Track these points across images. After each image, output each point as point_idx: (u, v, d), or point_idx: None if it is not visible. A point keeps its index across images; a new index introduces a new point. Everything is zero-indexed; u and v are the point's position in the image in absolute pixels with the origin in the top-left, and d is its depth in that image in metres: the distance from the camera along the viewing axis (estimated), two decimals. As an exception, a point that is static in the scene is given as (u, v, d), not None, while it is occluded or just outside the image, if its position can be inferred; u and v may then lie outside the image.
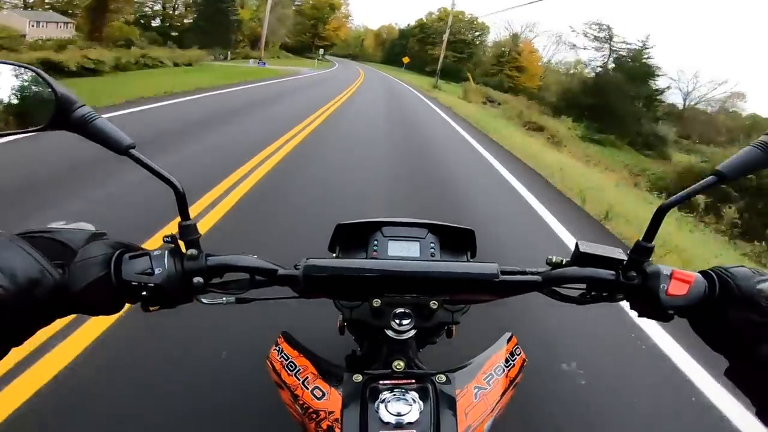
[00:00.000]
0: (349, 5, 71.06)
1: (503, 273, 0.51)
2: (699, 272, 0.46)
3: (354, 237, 0.77)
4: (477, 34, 63.33)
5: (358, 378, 0.52)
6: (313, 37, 58.77)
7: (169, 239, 0.47)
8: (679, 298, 0.45)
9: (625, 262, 0.49)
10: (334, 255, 0.77)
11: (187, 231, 0.47)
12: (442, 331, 0.78)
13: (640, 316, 0.50)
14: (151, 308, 0.45)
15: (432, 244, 0.75)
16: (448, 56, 61.17)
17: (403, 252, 0.74)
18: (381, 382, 0.52)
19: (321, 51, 39.92)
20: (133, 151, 0.44)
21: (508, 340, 0.62)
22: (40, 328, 0.39)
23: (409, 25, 74.39)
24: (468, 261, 0.75)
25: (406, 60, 40.37)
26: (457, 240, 0.77)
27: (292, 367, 0.57)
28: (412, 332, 0.59)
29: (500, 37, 63.99)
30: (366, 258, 0.72)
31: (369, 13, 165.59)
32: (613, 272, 0.49)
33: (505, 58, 54.64)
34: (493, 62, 56.97)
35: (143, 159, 0.44)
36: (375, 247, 0.74)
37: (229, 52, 31.73)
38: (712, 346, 0.44)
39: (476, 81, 43.22)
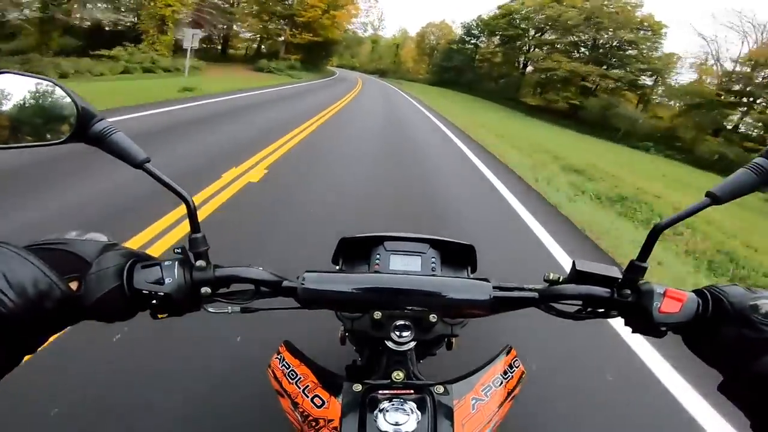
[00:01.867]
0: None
1: (502, 289, 0.53)
2: (692, 291, 0.47)
3: (357, 250, 0.78)
4: (649, 34, 29.38)
5: (357, 387, 0.53)
6: (289, 26, 25.93)
7: (179, 250, 0.48)
8: (672, 316, 0.46)
9: (619, 281, 0.50)
10: (337, 267, 0.78)
11: (197, 243, 0.48)
12: (442, 343, 0.78)
13: (633, 331, 0.50)
14: (159, 315, 0.47)
15: (433, 259, 0.76)
16: (600, 83, 27.52)
17: (404, 266, 0.74)
18: (380, 392, 0.53)
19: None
20: (147, 165, 0.45)
21: (507, 353, 0.63)
22: (52, 336, 0.39)
23: (480, 17, 40.85)
24: (468, 276, 0.77)
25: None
26: (457, 255, 0.78)
27: (293, 375, 0.58)
28: (412, 344, 0.60)
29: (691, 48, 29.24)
30: (368, 271, 0.73)
31: (408, 15, 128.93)
32: (608, 290, 0.50)
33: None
34: (727, 99, 23.69)
35: (157, 173, 0.46)
36: (377, 261, 0.75)
37: None
38: (706, 361, 0.45)
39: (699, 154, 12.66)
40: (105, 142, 0.44)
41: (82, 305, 0.41)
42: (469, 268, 0.79)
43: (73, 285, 0.40)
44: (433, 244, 0.78)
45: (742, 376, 0.40)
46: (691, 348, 0.47)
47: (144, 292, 0.44)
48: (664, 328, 0.46)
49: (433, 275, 0.71)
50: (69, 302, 0.39)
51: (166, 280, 0.45)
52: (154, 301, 0.45)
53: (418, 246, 0.77)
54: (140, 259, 0.47)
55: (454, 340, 0.72)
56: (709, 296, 0.45)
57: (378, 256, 0.76)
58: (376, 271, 0.73)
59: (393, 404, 0.49)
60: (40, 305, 0.36)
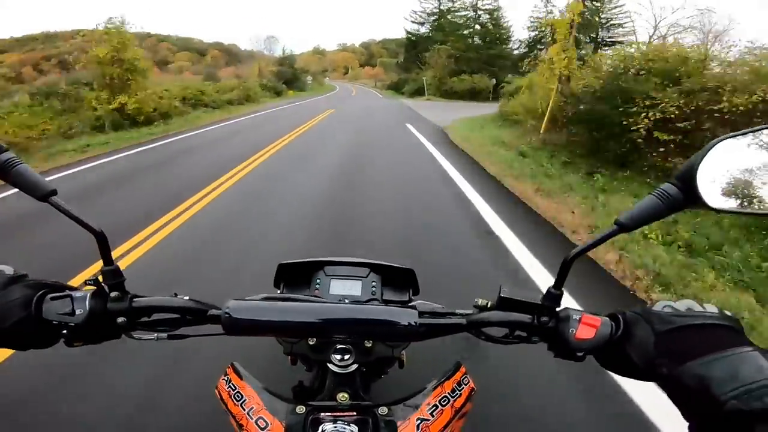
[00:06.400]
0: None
1: (431, 314, 0.54)
2: (607, 315, 0.49)
3: (298, 275, 0.81)
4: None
5: (301, 409, 0.53)
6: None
7: (92, 282, 0.49)
8: (587, 342, 0.47)
9: (539, 308, 0.51)
10: (279, 291, 0.80)
11: (111, 275, 0.49)
12: (393, 362, 0.77)
13: (556, 356, 0.51)
14: (75, 344, 0.47)
15: (374, 283, 0.78)
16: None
17: (345, 291, 0.77)
18: (323, 414, 0.52)
19: None
20: (54, 198, 0.46)
21: (456, 370, 0.62)
22: None
23: None
24: (409, 299, 0.80)
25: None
26: (398, 279, 0.81)
27: (238, 397, 0.57)
28: (354, 366, 0.60)
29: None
30: (309, 296, 0.71)
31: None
32: (529, 316, 0.52)
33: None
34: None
35: (64, 206, 0.46)
36: (317, 286, 0.78)
37: None
38: (628, 373, 0.45)
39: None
40: (9, 174, 0.44)
41: None
42: (411, 291, 0.81)
43: None
44: (374, 268, 0.80)
45: (666, 369, 0.39)
46: (609, 368, 0.47)
47: (54, 322, 0.46)
48: (581, 353, 0.47)
49: (374, 299, 0.75)
50: None
51: (77, 311, 0.46)
52: (65, 331, 0.46)
53: (358, 270, 0.80)
54: (51, 289, 0.47)
55: (404, 358, 0.75)
56: (621, 318, 0.46)
57: (318, 281, 0.79)
58: (315, 296, 0.73)
59: (335, 426, 0.49)
60: None
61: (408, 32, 39.33)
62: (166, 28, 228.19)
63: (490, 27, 33.73)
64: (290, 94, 30.53)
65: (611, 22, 34.07)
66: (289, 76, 35.94)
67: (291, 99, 26.28)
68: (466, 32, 34.19)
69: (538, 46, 36.26)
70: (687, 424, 0.38)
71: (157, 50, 77.96)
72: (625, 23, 33.52)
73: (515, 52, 35.27)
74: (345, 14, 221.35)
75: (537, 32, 36.06)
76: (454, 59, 29.00)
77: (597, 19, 34.06)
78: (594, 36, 34.09)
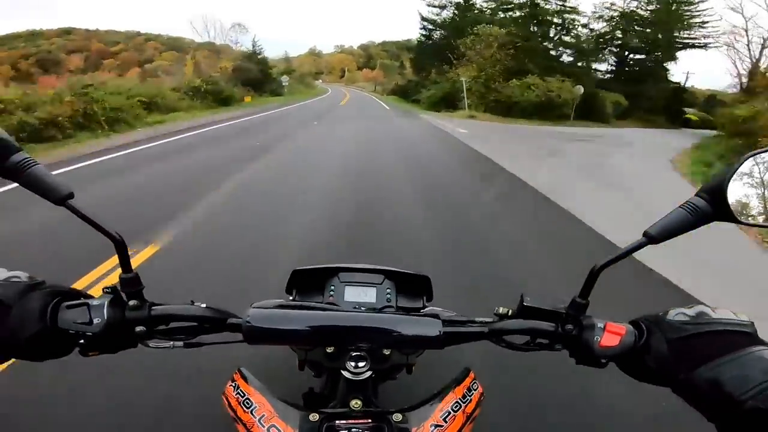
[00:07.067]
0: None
1: (450, 323, 0.54)
2: (630, 322, 0.49)
3: (311, 281, 0.78)
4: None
5: (314, 417, 0.52)
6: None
7: (109, 290, 0.47)
8: (611, 349, 0.47)
9: (563, 316, 0.51)
10: (291, 298, 0.79)
11: (129, 283, 0.48)
12: (402, 368, 0.76)
13: (577, 363, 0.51)
14: (90, 353, 0.46)
15: (388, 290, 0.77)
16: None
17: (359, 298, 0.75)
18: (337, 421, 0.52)
19: None
20: (71, 201, 0.44)
21: (466, 376, 0.62)
22: None
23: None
24: (423, 305, 0.78)
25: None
26: (412, 285, 0.79)
27: (248, 403, 0.56)
28: (369, 373, 0.59)
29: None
30: (322, 303, 0.71)
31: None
32: (553, 325, 0.52)
33: None
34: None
35: (81, 210, 0.44)
36: (331, 293, 0.76)
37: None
38: (649, 379, 0.46)
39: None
40: (23, 176, 0.42)
41: (8, 347, 0.41)
42: (425, 298, 0.80)
43: None
44: (388, 274, 0.79)
45: (682, 375, 0.40)
46: (629, 373, 0.48)
47: (71, 332, 0.44)
48: (605, 360, 0.48)
49: (389, 307, 0.73)
50: None
51: (95, 320, 0.44)
52: (82, 341, 0.44)
53: (372, 277, 0.78)
54: (66, 297, 0.46)
55: (414, 364, 0.73)
56: (644, 327, 0.47)
57: (332, 287, 0.76)
58: (330, 303, 0.72)
59: None
60: None
61: (424, 19, 28.74)
62: (157, 27, 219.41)
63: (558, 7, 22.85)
64: (247, 101, 19.89)
65: (691, 19, 23.99)
66: (255, 76, 25.24)
67: (240, 111, 15.84)
68: (518, 13, 23.15)
69: (613, 41, 26.27)
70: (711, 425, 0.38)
71: (143, 49, 70.53)
72: (706, 22, 23.69)
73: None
74: (343, 16, 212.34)
75: (608, 25, 26.00)
76: (512, 50, 18.11)
77: (679, 12, 24.31)
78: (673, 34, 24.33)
